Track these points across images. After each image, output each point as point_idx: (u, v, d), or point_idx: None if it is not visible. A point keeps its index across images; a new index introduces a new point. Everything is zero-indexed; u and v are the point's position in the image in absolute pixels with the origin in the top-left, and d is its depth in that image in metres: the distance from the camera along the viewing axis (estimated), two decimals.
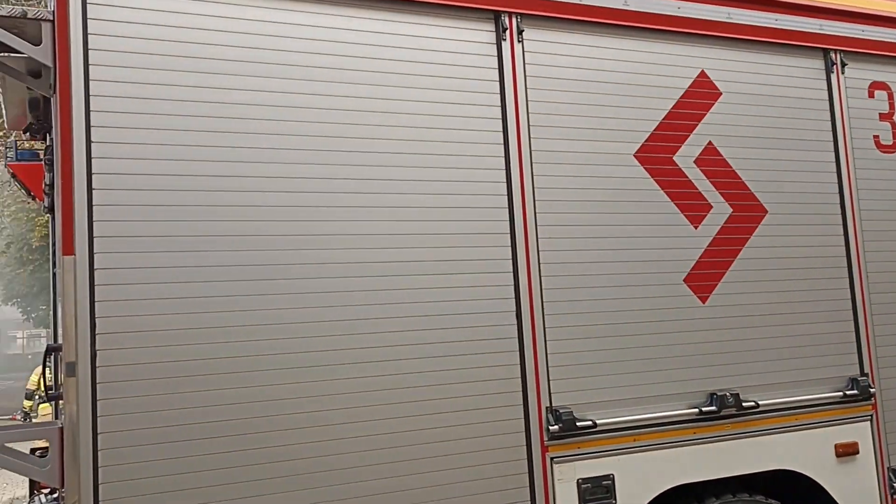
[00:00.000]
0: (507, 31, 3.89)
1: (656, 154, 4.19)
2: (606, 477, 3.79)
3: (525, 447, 3.64)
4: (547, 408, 3.71)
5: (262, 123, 3.36)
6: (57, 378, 4.20)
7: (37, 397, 9.91)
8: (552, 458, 3.70)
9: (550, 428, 3.68)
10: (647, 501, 3.87)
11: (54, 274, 4.93)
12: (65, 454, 2.97)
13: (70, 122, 3.03)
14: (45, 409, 9.55)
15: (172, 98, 3.21)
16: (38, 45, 3.22)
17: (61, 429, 3.04)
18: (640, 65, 4.23)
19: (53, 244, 4.89)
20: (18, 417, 20.28)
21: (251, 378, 3.20)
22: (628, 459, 3.85)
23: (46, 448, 4.75)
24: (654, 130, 4.21)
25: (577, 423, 3.72)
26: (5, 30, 3.18)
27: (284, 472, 3.20)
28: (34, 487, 4.78)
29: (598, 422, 3.77)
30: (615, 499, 3.78)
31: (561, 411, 3.71)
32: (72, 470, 2.88)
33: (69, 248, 2.97)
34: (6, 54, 3.42)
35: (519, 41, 3.92)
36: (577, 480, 3.73)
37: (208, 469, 3.07)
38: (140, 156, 3.13)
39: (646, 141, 4.18)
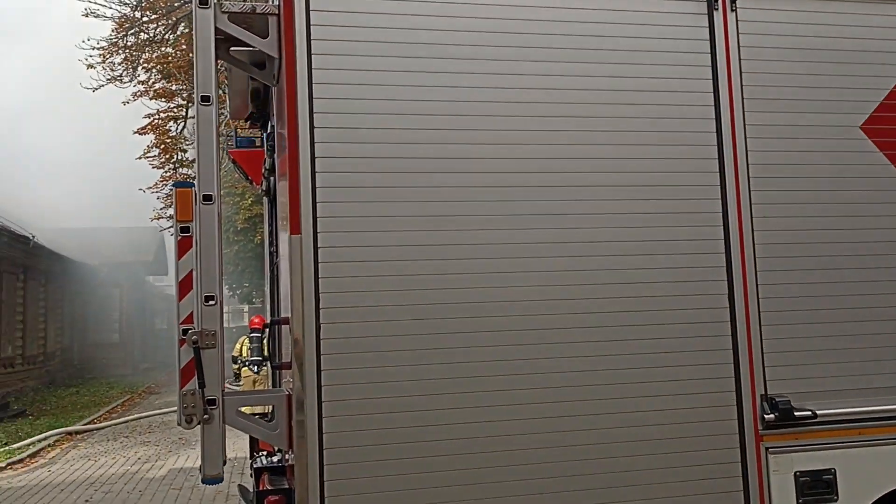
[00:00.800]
0: (720, 1, 3.71)
1: (887, 126, 3.85)
2: (827, 471, 3.56)
3: (738, 435, 3.49)
4: (762, 396, 3.54)
5: (480, 105, 3.42)
6: (275, 349, 4.53)
7: (239, 362, 10.93)
8: (767, 448, 3.52)
9: (766, 417, 3.50)
10: (872, 501, 3.60)
11: (271, 253, 5.30)
12: (292, 420, 3.18)
13: (295, 109, 3.22)
14: (245, 373, 10.36)
15: (389, 84, 3.33)
16: (266, 37, 3.45)
17: (289, 396, 3.26)
18: (867, 29, 3.89)
19: (271, 224, 5.25)
20: (230, 382, 22.23)
21: (466, 353, 3.27)
22: (853, 454, 3.59)
23: (262, 414, 5.15)
24: (884, 100, 3.86)
25: (795, 413, 3.51)
26: (236, 25, 3.42)
27: (502, 452, 3.26)
28: (254, 448, 5.17)
29: (818, 412, 3.54)
30: (837, 495, 3.55)
31: (777, 400, 3.52)
32: (299, 435, 3.09)
33: (296, 228, 3.17)
34: (237, 48, 3.69)
35: (732, 10, 3.73)
36: (795, 473, 3.53)
37: (424, 440, 3.19)
38: (359, 140, 3.28)
39: (874, 111, 3.84)
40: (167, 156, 17.93)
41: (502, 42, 3.47)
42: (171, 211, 18.77)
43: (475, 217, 3.36)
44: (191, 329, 3.18)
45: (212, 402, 3.17)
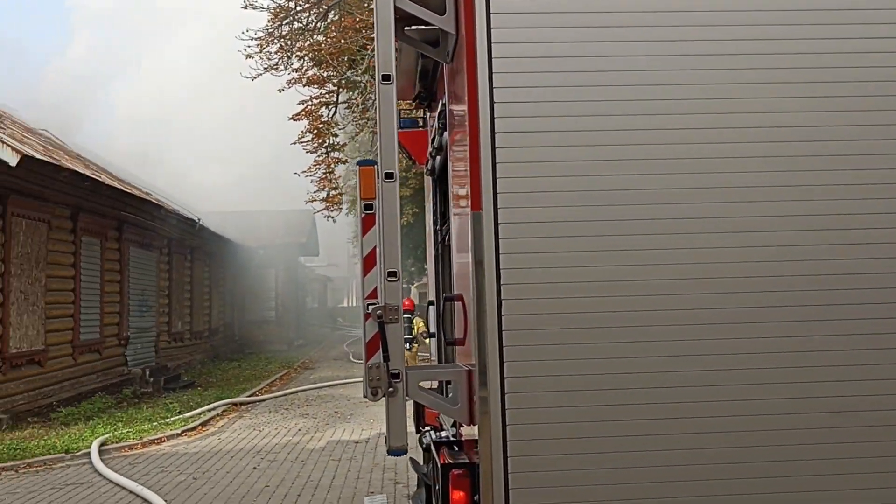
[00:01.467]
0: None
1: None
2: None
3: None
4: None
5: (666, 75, 3.27)
6: (444, 325, 4.57)
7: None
8: None
9: None
10: None
11: (436, 232, 5.36)
12: (473, 395, 3.20)
13: (475, 85, 3.20)
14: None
15: (572, 55, 3.24)
16: (443, 14, 3.46)
17: (469, 372, 3.28)
18: None
19: (435, 204, 5.31)
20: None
21: (657, 331, 3.16)
22: None
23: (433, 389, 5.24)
24: None
25: None
26: (414, 3, 3.44)
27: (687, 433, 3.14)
28: (420, 424, 5.27)
29: None
30: None
31: None
32: (482, 410, 3.10)
33: (476, 204, 3.16)
34: (410, 27, 3.72)
35: None
36: None
37: (612, 419, 3.12)
38: (540, 114, 3.22)
39: None
40: (319, 140, 18.54)
41: (700, 22, 3.29)
42: (323, 194, 19.49)
43: (668, 191, 3.21)
44: (375, 304, 3.24)
45: (395, 375, 3.23)
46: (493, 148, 3.17)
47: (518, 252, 3.15)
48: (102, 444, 10.51)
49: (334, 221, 21.59)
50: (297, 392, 16.82)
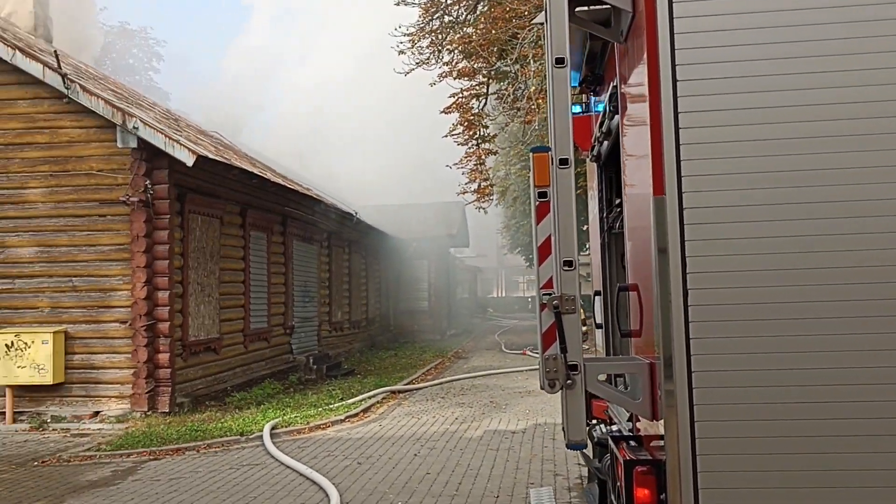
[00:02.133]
0: None
1: None
2: None
3: None
4: None
5: (863, 43, 2.99)
6: (613, 317, 4.42)
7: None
8: None
9: None
10: None
11: (601, 219, 5.20)
12: (656, 389, 3.05)
13: (656, 64, 3.04)
14: None
15: (757, 27, 3.03)
16: None
17: (651, 364, 3.14)
18: None
19: (602, 191, 5.15)
20: (530, 349, 22.92)
21: (859, 322, 2.91)
22: None
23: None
24: None
25: None
26: None
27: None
28: (587, 417, 5.15)
29: None
30: None
31: None
32: (668, 405, 2.95)
33: (659, 189, 3.01)
34: (581, 8, 3.60)
35: None
36: None
37: (809, 417, 2.89)
38: (725, 91, 3.02)
39: None
40: (470, 132, 18.66)
41: None
42: (474, 185, 19.62)
43: (867, 170, 2.94)
44: (551, 294, 3.16)
45: (573, 367, 3.14)
46: (677, 129, 3.00)
47: (704, 238, 2.97)
48: (273, 428, 11.05)
49: (485, 212, 21.70)
50: (452, 381, 17.05)
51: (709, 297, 2.95)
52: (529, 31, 14.41)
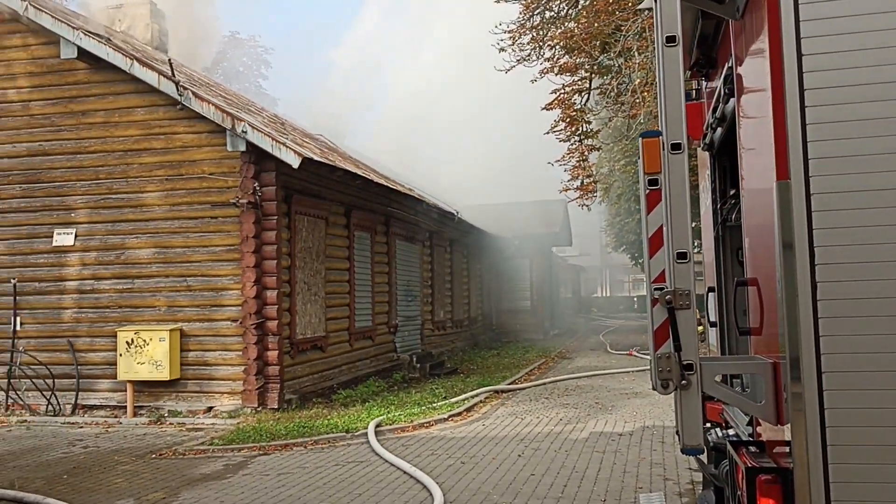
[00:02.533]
0: None
1: None
2: None
3: None
4: None
5: None
6: (726, 313, 4.16)
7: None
8: None
9: None
10: None
11: (714, 211, 4.93)
12: (782, 392, 2.82)
13: (779, 38, 2.81)
14: None
15: None
16: None
17: (774, 364, 2.90)
18: None
19: (715, 181, 4.88)
20: (637, 350, 22.36)
21: None
22: None
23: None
24: None
25: None
26: None
27: None
28: (704, 420, 4.88)
29: None
30: None
31: None
32: (795, 408, 2.71)
33: (783, 173, 2.78)
34: None
35: None
36: None
37: None
38: (855, 65, 2.76)
39: None
40: (572, 128, 18.34)
41: None
42: (577, 183, 19.28)
43: None
44: (663, 288, 2.97)
45: (688, 366, 2.94)
46: (802, 107, 2.76)
47: (834, 227, 2.72)
48: (378, 426, 11.14)
49: (589, 210, 21.29)
50: (556, 381, 16.79)
51: (840, 290, 2.69)
52: (634, 21, 14.00)
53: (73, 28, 13.26)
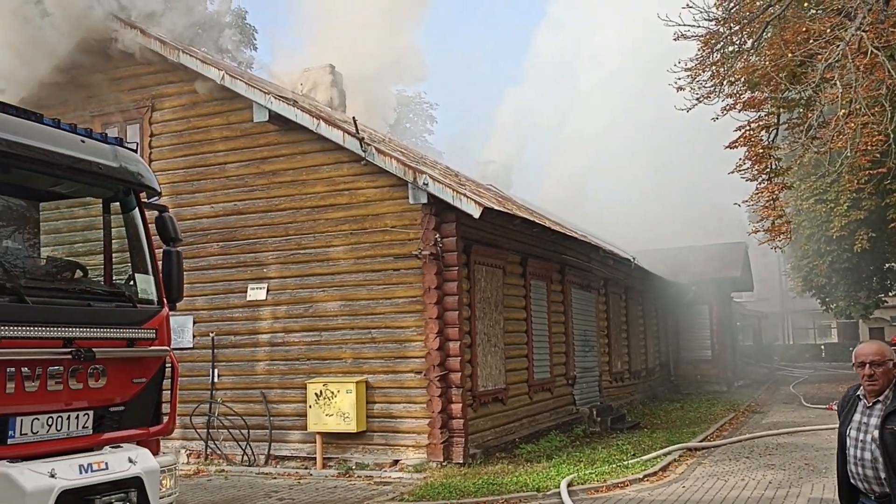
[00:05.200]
0: None
1: None
2: None
3: None
4: None
5: None
6: None
7: None
8: None
9: None
10: None
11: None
12: None
13: None
14: None
15: None
16: None
17: None
18: None
19: None
20: (834, 406, 20.43)
21: None
22: None
23: None
24: None
25: None
26: None
27: None
28: None
29: None
30: None
31: None
32: None
33: None
34: None
35: None
36: None
37: None
38: None
39: None
40: (760, 167, 17.25)
41: None
42: (767, 224, 18.03)
43: None
44: None
45: None
46: None
47: None
48: (569, 485, 10.60)
49: (783, 252, 19.90)
50: (754, 438, 15.52)
51: None
52: (834, 48, 12.97)
53: (265, 93, 13.99)
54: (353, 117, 14.17)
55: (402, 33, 27.82)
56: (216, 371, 13.97)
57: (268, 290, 13.84)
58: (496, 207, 13.31)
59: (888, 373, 4.63)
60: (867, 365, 4.63)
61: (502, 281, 14.86)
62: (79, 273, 6.56)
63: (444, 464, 12.22)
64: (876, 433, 4.52)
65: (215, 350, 13.99)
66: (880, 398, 4.62)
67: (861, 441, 4.61)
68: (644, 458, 12.89)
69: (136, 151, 6.88)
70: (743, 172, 17.76)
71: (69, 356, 5.52)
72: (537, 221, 15.80)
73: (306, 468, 12.91)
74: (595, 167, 40.01)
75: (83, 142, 6.12)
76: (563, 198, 32.92)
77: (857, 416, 4.73)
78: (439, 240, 12.68)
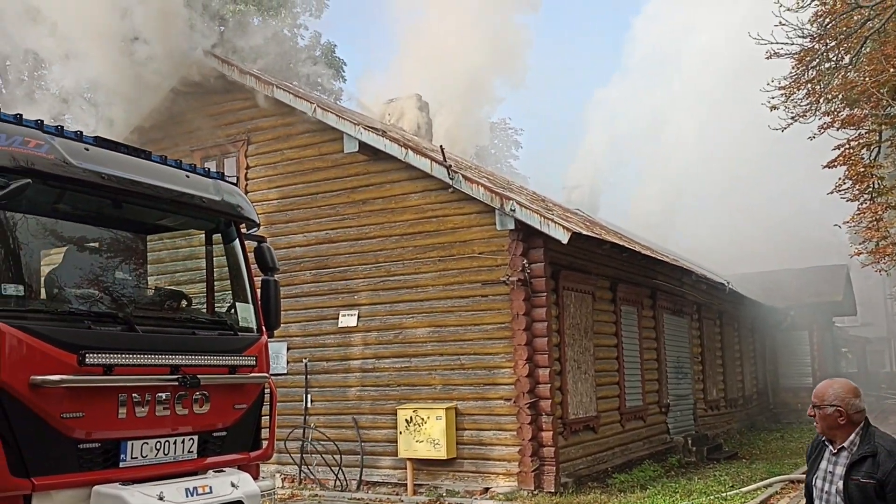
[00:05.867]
0: None
1: None
2: None
3: None
4: None
5: None
6: None
7: None
8: None
9: None
10: None
11: None
12: None
13: None
14: None
15: None
16: None
17: None
18: None
19: None
20: None
21: None
22: None
23: None
24: None
25: None
26: None
27: None
28: None
29: None
30: None
31: None
32: None
33: None
34: None
35: None
36: None
37: None
38: None
39: None
40: (861, 186, 16.57)
41: None
42: (870, 245, 17.26)
43: None
44: None
45: None
46: None
47: None
48: None
49: (888, 275, 19.01)
50: None
51: None
52: None
53: (355, 124, 14.33)
54: (441, 146, 14.35)
55: (486, 57, 28.00)
56: (309, 396, 14.25)
57: (359, 317, 14.06)
58: (584, 232, 13.20)
59: (827, 418, 4.24)
60: (810, 405, 4.32)
61: (592, 307, 14.67)
62: (184, 302, 6.83)
63: (535, 492, 12.08)
64: (840, 484, 4.15)
65: (308, 376, 14.28)
66: (845, 444, 4.21)
67: (826, 492, 4.25)
68: (743, 489, 12.44)
69: (235, 185, 7.16)
70: (843, 192, 17.13)
71: (176, 383, 5.75)
72: (627, 246, 15.58)
73: (397, 494, 12.97)
74: (685, 188, 39.16)
75: (188, 177, 6.41)
76: (653, 221, 32.28)
77: (823, 464, 4.34)
78: (527, 265, 12.64)
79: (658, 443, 16.83)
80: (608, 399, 14.92)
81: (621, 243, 15.42)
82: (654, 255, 17.05)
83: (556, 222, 12.50)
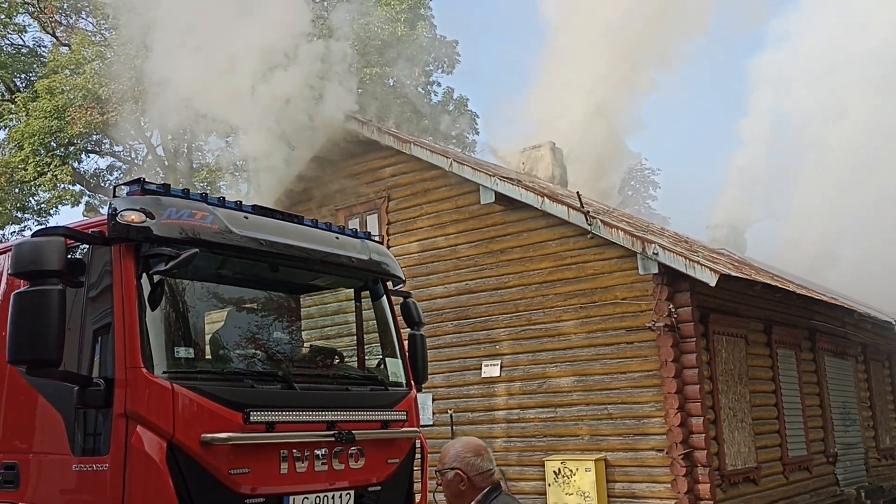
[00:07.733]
0: None
1: None
2: None
3: None
4: None
5: None
6: None
7: None
8: None
9: None
10: None
11: None
12: None
13: None
14: None
15: None
16: None
17: None
18: None
19: None
20: None
21: None
22: None
23: None
24: None
25: None
26: None
27: None
28: None
29: None
30: None
31: None
32: None
33: None
34: None
35: None
36: None
37: None
38: None
39: None
40: None
41: None
42: None
43: None
44: None
45: None
46: None
47: None
48: None
49: None
50: None
51: None
52: None
53: (490, 175, 14.51)
54: (578, 192, 14.26)
55: (613, 102, 27.75)
56: None
57: (501, 367, 14.03)
58: (733, 273, 12.67)
59: (450, 484, 3.68)
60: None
61: (745, 351, 13.98)
62: (336, 359, 7.07)
63: None
64: None
65: (454, 427, 14.32)
66: None
67: None
68: None
69: (381, 243, 7.39)
70: None
71: (332, 438, 5.92)
72: (780, 286, 14.80)
73: None
74: (840, 222, 36.79)
75: (337, 238, 6.68)
76: (807, 256, 30.54)
77: None
78: (673, 310, 12.24)
79: (827, 495, 15.65)
80: (768, 449, 14.07)
81: (774, 283, 14.67)
82: (810, 294, 16.10)
83: (702, 264, 12.07)
